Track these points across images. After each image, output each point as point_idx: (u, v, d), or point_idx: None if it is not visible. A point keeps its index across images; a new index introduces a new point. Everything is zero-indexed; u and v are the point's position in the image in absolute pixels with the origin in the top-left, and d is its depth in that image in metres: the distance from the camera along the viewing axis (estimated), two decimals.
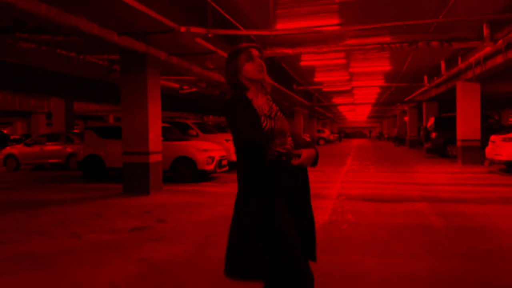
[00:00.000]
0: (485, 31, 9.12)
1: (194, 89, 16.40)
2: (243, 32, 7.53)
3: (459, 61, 12.61)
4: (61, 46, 8.64)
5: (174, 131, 11.52)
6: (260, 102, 2.19)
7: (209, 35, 6.76)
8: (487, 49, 9.54)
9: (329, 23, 8.80)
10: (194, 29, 6.42)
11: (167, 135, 10.67)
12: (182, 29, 6.32)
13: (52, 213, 6.50)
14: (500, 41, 8.65)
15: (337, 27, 9.01)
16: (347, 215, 5.93)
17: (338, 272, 3.64)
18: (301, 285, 1.97)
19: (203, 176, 10.38)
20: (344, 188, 8.65)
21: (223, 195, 7.94)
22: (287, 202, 2.14)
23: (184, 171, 10.13)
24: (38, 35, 7.48)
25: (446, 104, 21.27)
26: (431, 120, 19.14)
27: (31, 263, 4.00)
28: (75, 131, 18.42)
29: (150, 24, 6.31)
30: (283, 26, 8.75)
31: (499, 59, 9.60)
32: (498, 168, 12.15)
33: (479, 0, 7.99)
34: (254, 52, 2.18)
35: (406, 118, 30.97)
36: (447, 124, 17.66)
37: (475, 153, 13.43)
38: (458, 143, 13.99)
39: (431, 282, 3.40)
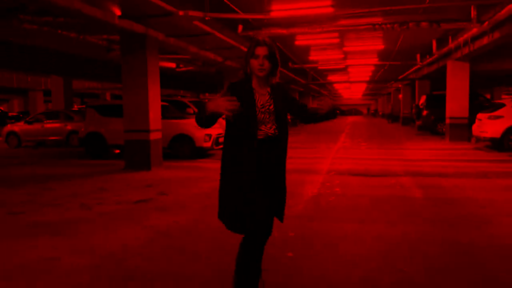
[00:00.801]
0: (473, 13, 9.42)
1: (190, 68, 16.71)
2: (239, 15, 7.84)
3: (450, 41, 12.92)
4: (62, 27, 8.92)
5: (173, 109, 11.90)
6: (260, 92, 2.53)
7: (206, 18, 7.08)
8: (474, 30, 9.89)
9: (322, 4, 9.06)
10: (192, 13, 6.74)
11: (165, 113, 11.04)
12: (181, 12, 6.64)
13: (62, 187, 6.96)
14: (486, 23, 8.99)
15: (330, 9, 9.29)
16: (335, 188, 6.43)
17: (322, 235, 4.14)
18: (256, 236, 2.44)
19: (201, 153, 10.83)
20: (334, 164, 9.14)
21: (218, 171, 8.39)
22: (264, 174, 2.50)
23: (183, 148, 10.58)
24: (41, 17, 7.77)
25: (438, 82, 21.64)
26: (423, 98, 19.56)
27: (48, 230, 4.47)
28: (74, 109, 18.71)
29: (151, 8, 6.63)
30: (278, 7, 9.01)
31: (486, 40, 9.97)
32: (484, 144, 12.68)
33: None
34: (260, 51, 2.41)
35: (400, 96, 31.37)
36: (438, 102, 18.08)
37: (462, 130, 13.94)
38: (447, 121, 14.47)
39: (401, 242, 3.91)
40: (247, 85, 2.50)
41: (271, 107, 2.50)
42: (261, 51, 2.40)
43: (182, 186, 6.87)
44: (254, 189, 2.43)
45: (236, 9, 8.28)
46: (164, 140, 10.27)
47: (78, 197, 6.19)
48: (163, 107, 11.20)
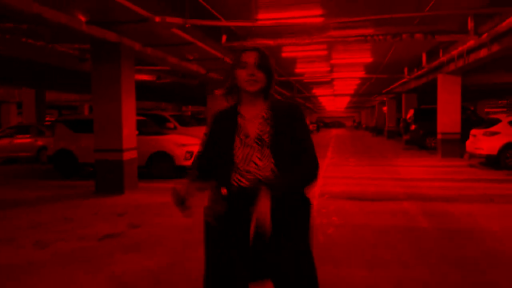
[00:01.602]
0: (470, 24, 8.94)
1: (171, 79, 15.90)
2: (223, 23, 7.14)
3: (441, 54, 12.50)
4: (27, 34, 8.05)
5: (151, 124, 11.07)
6: (250, 114, 1.85)
7: (186, 26, 6.34)
8: (471, 43, 9.42)
9: (312, 14, 8.46)
10: (170, 19, 6.00)
11: (143, 128, 10.21)
12: (157, 19, 5.89)
13: (21, 216, 6.05)
14: (485, 35, 8.50)
15: (319, 19, 8.69)
16: (332, 216, 5.69)
17: None
18: None
19: (181, 172, 9.99)
20: (327, 185, 8.43)
21: (202, 194, 7.58)
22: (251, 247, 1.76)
23: (161, 167, 9.73)
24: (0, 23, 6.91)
25: (425, 95, 21.36)
26: (411, 112, 19.17)
27: None
28: (46, 122, 17.64)
29: (123, 13, 5.86)
30: (264, 16, 8.37)
31: (483, 53, 9.49)
32: (478, 161, 12.19)
33: None
34: (249, 57, 1.80)
35: (384, 109, 31.13)
36: (426, 116, 17.70)
37: (454, 146, 13.46)
38: (438, 136, 13.99)
39: None
40: (231, 111, 1.89)
41: (265, 136, 1.78)
42: (249, 57, 1.79)
43: (159, 214, 6.02)
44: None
45: (219, 17, 7.58)
46: (140, 158, 9.41)
47: (37, 229, 5.30)
48: (140, 121, 10.37)
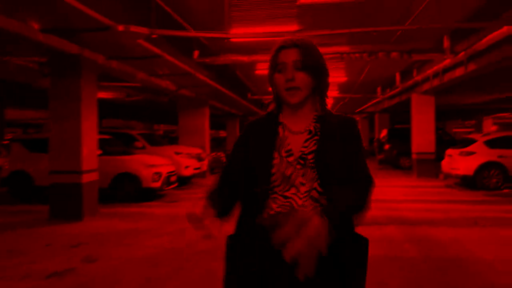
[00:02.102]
0: (446, 43, 8.87)
1: (141, 97, 15.27)
2: (192, 33, 6.67)
3: (415, 74, 12.47)
4: None
5: (117, 143, 10.37)
6: (295, 127, 1.46)
7: (153, 36, 5.84)
8: (447, 61, 9.32)
9: (288, 29, 8.14)
10: (135, 28, 5.48)
11: (107, 148, 9.52)
12: (120, 27, 5.36)
13: None
14: (462, 53, 8.40)
15: (295, 34, 8.38)
16: None
17: None
18: None
19: (149, 195, 9.32)
20: None
21: (170, 219, 6.96)
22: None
23: (127, 189, 9.02)
24: None
25: (397, 115, 21.52)
26: (384, 132, 19.18)
27: None
28: (4, 142, 16.53)
29: (82, 20, 5.30)
30: (238, 31, 7.98)
31: (458, 72, 9.41)
32: (454, 181, 12.06)
33: (441, 12, 7.65)
34: (287, 56, 1.39)
35: None
36: (400, 135, 17.71)
37: (430, 166, 13.34)
38: (414, 156, 13.87)
39: None
40: (271, 120, 1.50)
41: (311, 155, 1.40)
42: (288, 55, 1.39)
43: (120, 244, 5.36)
44: None
45: (190, 28, 7.12)
46: (104, 180, 8.71)
47: None
48: (104, 140, 9.70)
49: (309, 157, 1.39)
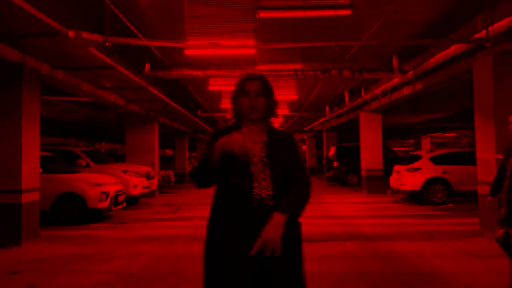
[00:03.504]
0: (394, 62, 9.23)
1: (83, 112, 14.40)
2: (149, 42, 6.35)
3: (363, 93, 12.87)
4: None
5: (58, 161, 9.60)
6: (256, 139, 1.99)
7: (107, 44, 5.44)
8: (395, 80, 9.67)
9: (245, 43, 8.04)
10: (87, 35, 5.08)
11: (48, 166, 8.76)
12: (71, 33, 4.94)
13: None
14: (410, 72, 8.75)
15: (251, 50, 8.28)
16: None
17: None
18: None
19: (95, 216, 8.65)
20: None
21: (121, 241, 6.44)
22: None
23: (71, 210, 8.31)
24: None
25: (344, 133, 22.14)
26: (333, 150, 19.60)
27: None
28: None
29: (27, 23, 4.82)
30: (194, 42, 7.75)
31: (406, 90, 9.80)
32: (401, 197, 12.45)
33: (391, 32, 7.92)
34: (251, 85, 1.96)
35: (304, 147, 31.88)
36: (347, 153, 18.17)
37: (378, 182, 13.70)
38: (363, 173, 14.20)
39: None
40: (236, 130, 1.97)
41: (266, 158, 1.94)
42: (252, 85, 1.97)
43: (66, 271, 4.80)
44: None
45: (143, 39, 6.78)
46: (45, 201, 7.94)
47: None
48: (45, 158, 8.94)
49: (265, 159, 1.92)
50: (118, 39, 5.61)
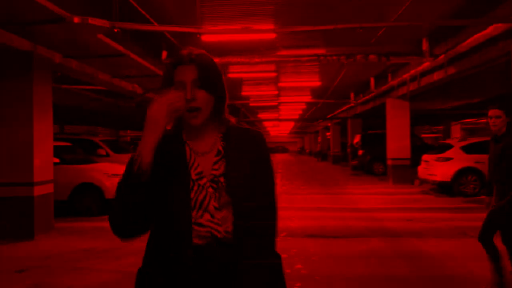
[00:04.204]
0: (424, 45, 8.61)
1: (105, 101, 14.37)
2: (158, 27, 6.04)
3: (390, 78, 12.26)
4: None
5: (77, 151, 9.53)
6: (201, 148, 1.32)
7: (115, 30, 5.17)
8: (425, 65, 9.08)
9: (263, 27, 7.62)
10: (93, 21, 4.81)
11: (66, 156, 8.69)
12: (77, 19, 4.68)
13: None
14: (441, 56, 8.14)
15: (271, 34, 7.87)
16: (296, 264, 4.65)
17: None
18: None
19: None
20: (283, 219, 7.41)
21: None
22: None
23: (88, 202, 8.22)
24: None
25: (370, 121, 21.45)
26: (358, 137, 19.02)
27: None
28: None
29: (31, 10, 4.59)
30: (211, 28, 7.39)
31: (437, 75, 9.18)
32: (429, 187, 11.87)
33: (421, 13, 7.33)
34: (184, 74, 1.26)
35: (328, 134, 31.23)
36: (373, 141, 17.56)
37: (405, 172, 13.12)
38: (389, 162, 13.64)
39: None
40: (173, 139, 1.33)
41: (222, 177, 1.29)
42: (186, 73, 1.26)
43: (72, 269, 4.63)
44: None
45: (156, 24, 6.48)
46: (62, 192, 7.93)
47: None
48: (63, 148, 8.89)
49: (221, 179, 1.28)
50: (126, 25, 5.32)
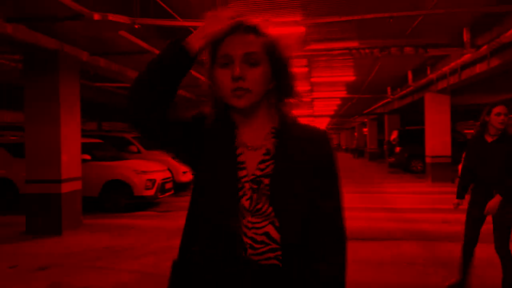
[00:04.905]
0: (465, 36, 8.04)
1: None
2: (180, 23, 5.93)
3: (429, 71, 11.63)
4: None
5: (108, 148, 9.66)
6: (252, 142, 1.10)
7: (136, 26, 5.10)
8: (466, 57, 8.48)
9: (291, 19, 7.36)
10: (113, 17, 4.75)
11: (97, 153, 8.82)
12: (96, 16, 4.64)
13: None
14: (484, 47, 7.56)
15: (300, 27, 7.59)
16: None
17: None
18: None
19: (142, 203, 8.59)
20: None
21: (158, 233, 6.21)
22: None
23: (117, 198, 8.29)
24: None
25: (408, 116, 20.64)
26: (395, 133, 18.34)
27: None
28: None
29: (50, 7, 4.58)
30: None
31: (479, 68, 8.57)
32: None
33: (460, 2, 6.82)
34: (235, 48, 1.04)
35: (365, 130, 30.43)
36: (411, 137, 16.85)
37: (445, 170, 12.45)
38: (428, 159, 13.00)
39: None
40: (225, 124, 1.13)
41: (266, 180, 1.06)
42: (236, 45, 1.04)
43: (92, 268, 4.60)
44: None
45: (178, 18, 6.38)
46: (93, 188, 8.07)
47: None
48: (95, 145, 9.03)
49: (265, 181, 1.06)
50: (147, 21, 5.23)
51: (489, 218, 3.60)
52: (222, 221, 1.06)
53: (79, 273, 4.41)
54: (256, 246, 1.05)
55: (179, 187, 10.73)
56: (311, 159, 1.08)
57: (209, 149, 1.12)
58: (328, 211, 1.09)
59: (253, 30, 1.07)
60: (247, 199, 1.06)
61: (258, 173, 1.07)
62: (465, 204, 3.85)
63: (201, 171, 1.13)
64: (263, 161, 1.08)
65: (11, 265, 4.73)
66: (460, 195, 3.82)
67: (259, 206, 1.05)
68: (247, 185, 1.07)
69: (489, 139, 3.51)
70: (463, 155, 4.05)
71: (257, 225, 1.05)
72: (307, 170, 1.07)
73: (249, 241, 1.05)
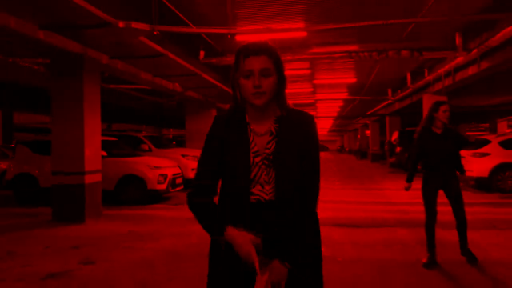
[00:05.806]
0: (458, 40, 8.60)
1: (149, 100, 15.18)
2: (194, 29, 6.51)
3: (426, 73, 12.17)
4: None
5: (122, 145, 10.26)
6: (260, 129, 1.62)
7: (155, 33, 5.69)
8: (459, 60, 9.03)
9: (294, 26, 7.93)
10: (136, 25, 5.34)
11: (113, 150, 9.41)
12: (121, 24, 5.23)
13: None
14: (474, 50, 8.11)
15: (302, 33, 8.17)
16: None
17: None
18: None
19: (154, 197, 9.17)
20: None
21: (173, 221, 6.79)
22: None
23: (132, 191, 8.88)
24: None
25: (409, 118, 21.12)
26: (395, 134, 18.85)
27: None
28: (12, 145, 16.59)
29: (82, 17, 5.18)
30: (244, 28, 7.81)
31: (471, 70, 9.11)
32: (467, 184, 11.68)
33: (452, 8, 7.37)
34: (254, 63, 1.52)
35: (367, 132, 30.92)
36: (411, 138, 17.27)
37: None
38: None
39: None
40: (239, 119, 1.65)
41: (271, 156, 1.60)
42: (255, 63, 1.54)
43: (119, 247, 5.19)
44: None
45: (192, 25, 6.97)
46: (109, 182, 8.62)
47: None
48: (110, 143, 9.62)
49: (271, 157, 1.57)
50: (165, 28, 5.83)
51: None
52: (240, 187, 1.58)
53: (109, 250, 5.00)
54: (263, 200, 1.59)
55: (188, 183, 11.30)
56: (301, 135, 1.60)
57: (229, 141, 1.61)
58: (309, 168, 1.62)
59: (266, 52, 1.55)
60: (258, 171, 1.57)
61: (267, 151, 1.58)
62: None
63: (225, 155, 1.61)
64: (268, 142, 1.59)
65: (46, 245, 5.31)
66: (410, 179, 4.93)
67: (269, 174, 1.57)
68: (258, 161, 1.58)
69: (438, 131, 4.33)
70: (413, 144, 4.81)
71: (267, 189, 1.59)
72: (298, 144, 1.59)
73: (258, 196, 1.58)
